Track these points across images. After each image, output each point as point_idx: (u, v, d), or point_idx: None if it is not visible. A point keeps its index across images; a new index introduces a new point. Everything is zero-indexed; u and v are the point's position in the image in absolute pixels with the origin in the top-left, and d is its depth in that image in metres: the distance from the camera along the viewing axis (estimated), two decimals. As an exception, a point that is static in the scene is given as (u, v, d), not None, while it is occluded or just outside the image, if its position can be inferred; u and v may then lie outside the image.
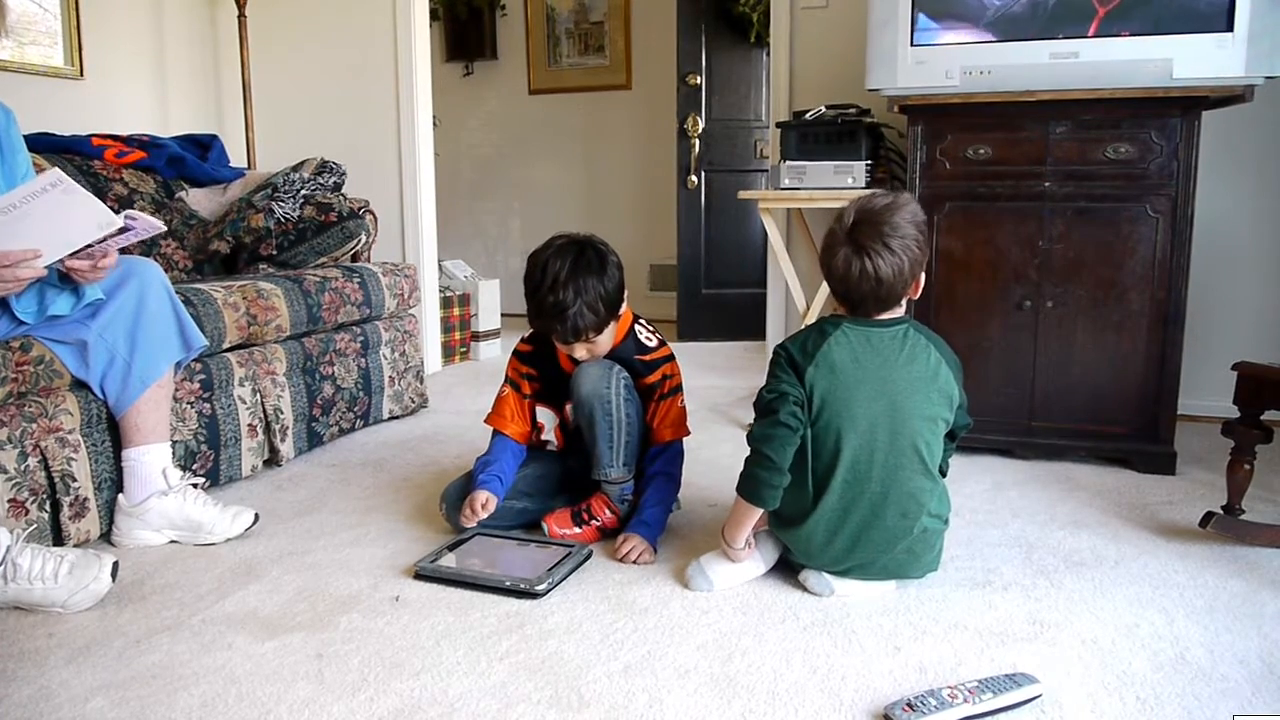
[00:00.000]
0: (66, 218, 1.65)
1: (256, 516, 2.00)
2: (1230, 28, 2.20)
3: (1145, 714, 1.29)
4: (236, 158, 3.60)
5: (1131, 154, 2.35)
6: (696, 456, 2.55)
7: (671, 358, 1.98)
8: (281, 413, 2.48)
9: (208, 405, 2.26)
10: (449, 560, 1.79)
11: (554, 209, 5.69)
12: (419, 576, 1.76)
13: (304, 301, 2.58)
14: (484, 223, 5.92)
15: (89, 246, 1.70)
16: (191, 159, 3.17)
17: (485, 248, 5.92)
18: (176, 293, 2.05)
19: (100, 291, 1.89)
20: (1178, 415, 2.41)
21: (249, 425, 2.37)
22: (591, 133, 5.60)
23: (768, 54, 4.01)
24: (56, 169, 1.63)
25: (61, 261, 1.72)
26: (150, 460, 1.95)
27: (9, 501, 1.78)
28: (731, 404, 3.25)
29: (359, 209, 3.05)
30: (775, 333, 3.41)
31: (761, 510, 1.65)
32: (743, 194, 3.05)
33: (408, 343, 3.08)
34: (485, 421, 2.05)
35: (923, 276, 1.67)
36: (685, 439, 2.00)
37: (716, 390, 3.49)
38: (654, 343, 1.97)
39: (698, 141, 4.65)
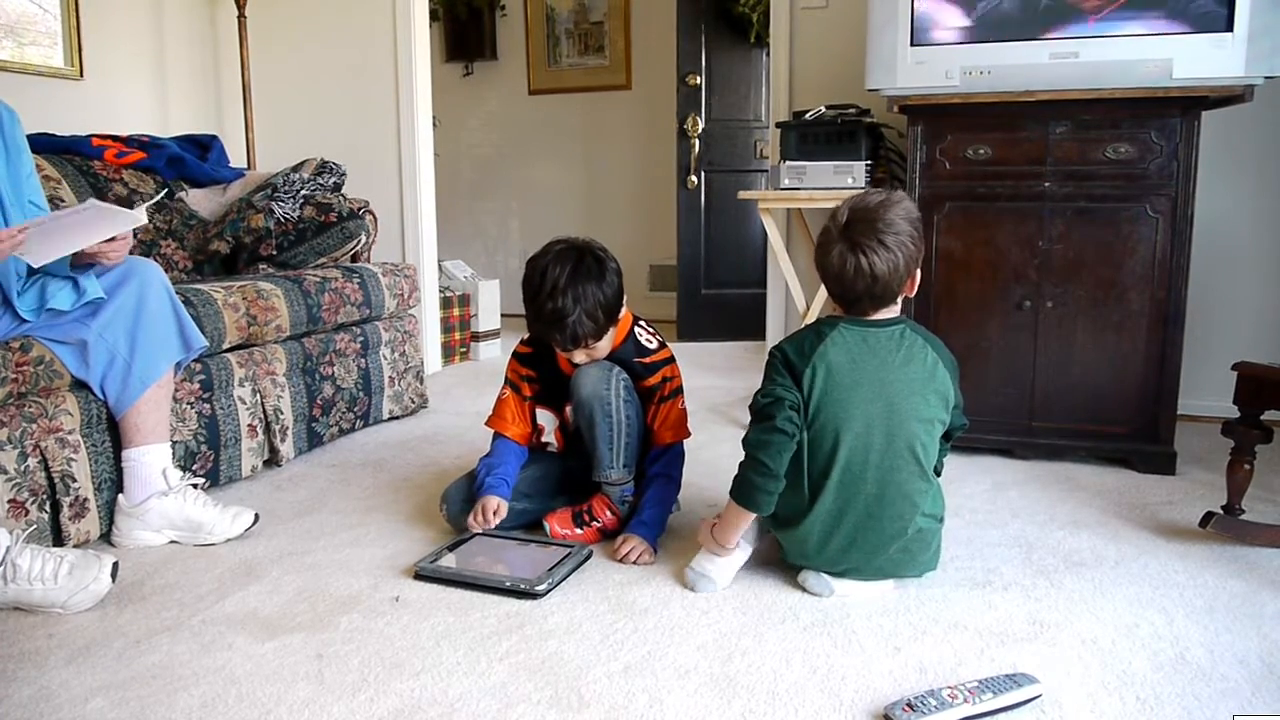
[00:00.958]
0: (96, 226, 1.76)
1: (256, 517, 2.00)
2: (1230, 28, 2.20)
3: (1145, 714, 1.29)
4: (236, 158, 3.60)
5: (1131, 154, 2.35)
6: (696, 457, 2.54)
7: (672, 360, 1.98)
8: (281, 413, 2.48)
9: (208, 405, 2.26)
10: (449, 561, 1.79)
11: (554, 209, 5.69)
12: (419, 577, 1.76)
13: (304, 302, 2.58)
14: (484, 223, 5.92)
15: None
16: (191, 159, 3.17)
17: (485, 248, 5.92)
18: (176, 293, 2.05)
19: (100, 290, 1.90)
20: (1178, 415, 2.41)
21: (249, 425, 2.37)
22: (591, 133, 5.60)
23: (767, 54, 4.01)
24: (92, 199, 1.79)
25: (83, 250, 1.80)
26: (150, 460, 1.95)
27: (9, 502, 1.78)
28: (731, 404, 3.25)
29: (359, 209, 3.05)
30: (775, 333, 3.41)
31: (754, 515, 1.65)
32: (743, 194, 3.05)
33: (408, 343, 3.08)
34: (486, 424, 2.05)
35: (918, 273, 1.68)
36: (686, 440, 2.00)
37: (716, 390, 3.49)
38: (654, 345, 1.97)
39: (697, 141, 4.65)
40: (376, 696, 1.35)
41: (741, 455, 1.65)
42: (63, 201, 2.66)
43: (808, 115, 2.87)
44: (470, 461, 2.08)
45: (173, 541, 1.95)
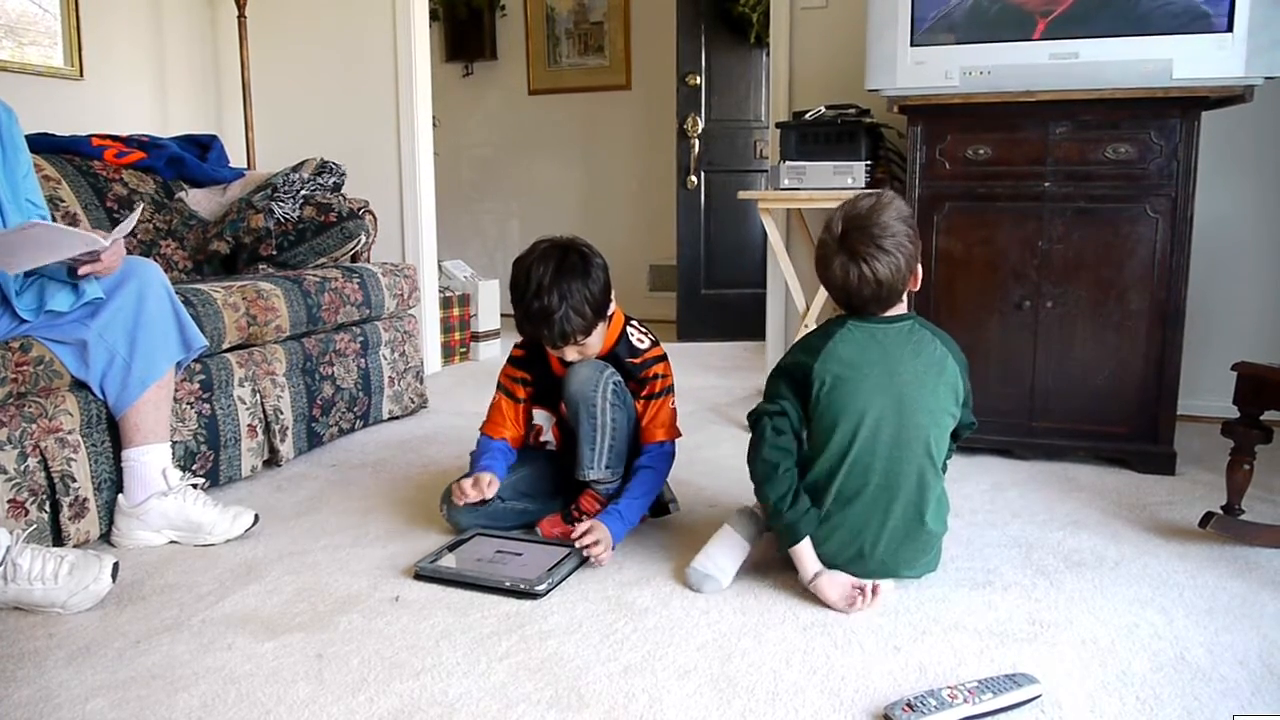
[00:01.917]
0: (47, 249, 1.72)
1: (256, 517, 2.00)
2: (1230, 28, 2.20)
3: (1145, 714, 1.29)
4: (236, 158, 3.60)
5: (1131, 154, 2.35)
6: (696, 456, 2.55)
7: (663, 358, 1.98)
8: (281, 413, 2.48)
9: (207, 406, 2.26)
10: (449, 561, 1.79)
11: (554, 209, 5.69)
12: (419, 577, 1.76)
13: (304, 302, 2.58)
14: (483, 223, 5.92)
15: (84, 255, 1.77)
16: (191, 159, 3.17)
17: (485, 248, 5.92)
18: (176, 293, 2.05)
19: (100, 291, 1.90)
20: (1177, 415, 2.41)
21: (249, 426, 2.37)
22: (591, 133, 5.60)
23: (767, 54, 4.01)
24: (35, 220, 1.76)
25: (62, 263, 1.76)
26: (150, 461, 1.95)
27: (9, 502, 1.78)
28: (731, 404, 3.25)
29: (359, 209, 3.05)
30: (775, 333, 3.41)
31: (806, 536, 1.64)
32: (742, 194, 3.05)
33: (407, 343, 3.08)
34: (480, 430, 2.04)
35: (920, 268, 1.69)
36: (680, 441, 1.99)
37: (716, 390, 3.49)
38: (645, 344, 1.97)
39: (697, 142, 4.65)
40: (376, 696, 1.35)
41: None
42: (62, 202, 2.66)
43: (807, 115, 2.87)
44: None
45: (173, 542, 1.95)
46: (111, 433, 1.98)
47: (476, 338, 4.22)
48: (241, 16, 3.65)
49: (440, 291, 3.97)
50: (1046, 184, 2.41)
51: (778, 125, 3.08)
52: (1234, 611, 1.61)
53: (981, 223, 2.48)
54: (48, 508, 1.86)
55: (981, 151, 2.46)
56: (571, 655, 1.46)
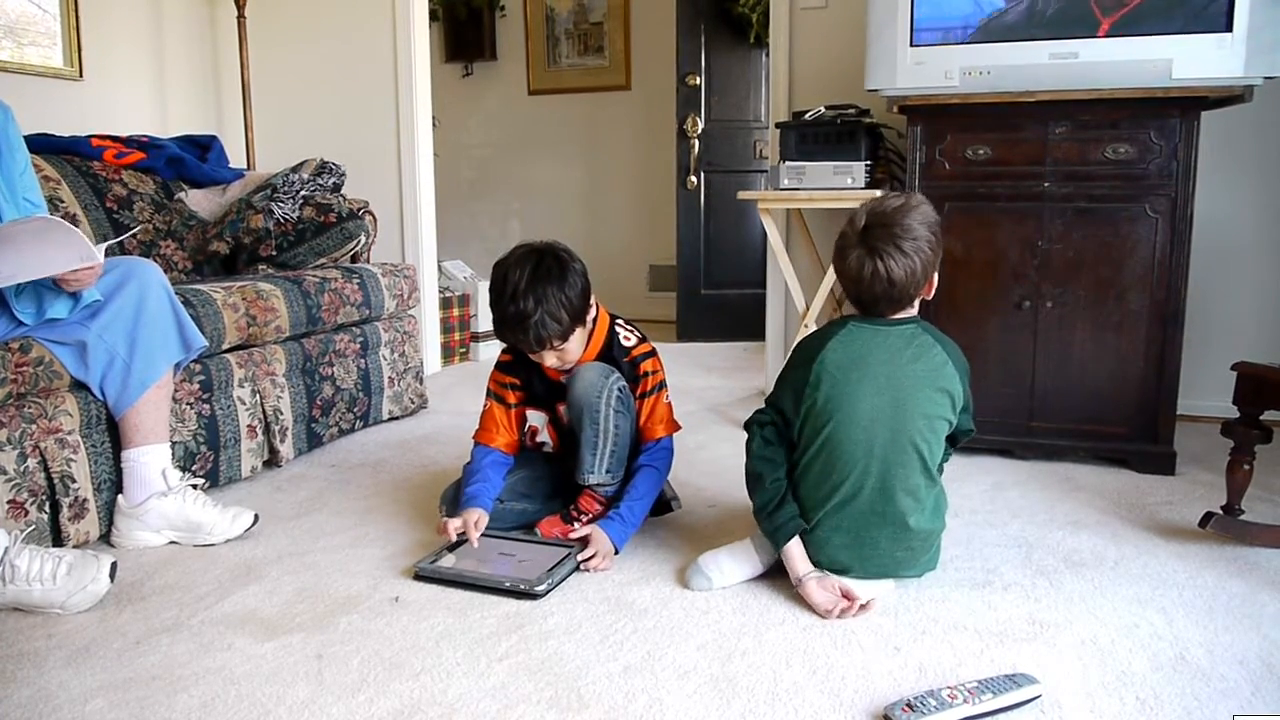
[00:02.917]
0: (50, 247, 1.72)
1: (256, 517, 2.00)
2: (1230, 28, 2.20)
3: (1145, 714, 1.29)
4: (236, 158, 3.60)
5: (1131, 154, 2.35)
6: (696, 456, 2.55)
7: (652, 354, 1.97)
8: (281, 413, 2.48)
9: (207, 406, 2.26)
10: (448, 561, 1.79)
11: (553, 209, 5.69)
12: (418, 577, 1.76)
13: (303, 302, 2.58)
14: (483, 223, 5.92)
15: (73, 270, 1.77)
16: (191, 160, 3.16)
17: (484, 248, 5.90)
18: (176, 293, 2.05)
19: (99, 293, 1.90)
20: (1177, 415, 2.41)
21: (248, 426, 2.36)
22: (591, 133, 5.60)
23: (767, 54, 4.01)
24: (52, 216, 1.75)
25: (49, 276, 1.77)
26: (150, 461, 1.95)
27: (8, 503, 1.78)
28: (731, 404, 3.25)
29: (358, 210, 3.05)
30: (775, 333, 3.41)
31: (797, 535, 1.65)
32: (742, 194, 3.05)
33: (407, 343, 3.08)
34: (473, 438, 2.02)
35: (936, 276, 1.68)
36: (681, 441, 1.98)
37: (716, 390, 3.49)
38: (633, 341, 1.96)
39: (697, 142, 4.65)
40: (376, 697, 1.35)
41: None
42: (62, 202, 2.66)
43: (807, 115, 2.87)
44: (470, 462, 2.08)
45: (172, 542, 1.95)
46: (111, 433, 1.98)
47: (476, 338, 4.22)
48: (241, 16, 3.65)
49: (440, 292, 3.97)
50: (1046, 184, 2.41)
51: (777, 125, 3.07)
52: (1234, 611, 1.61)
53: (981, 223, 2.48)
54: (47, 508, 1.86)
55: (981, 152, 2.46)
56: (571, 655, 1.46)
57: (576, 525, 1.91)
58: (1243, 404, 1.92)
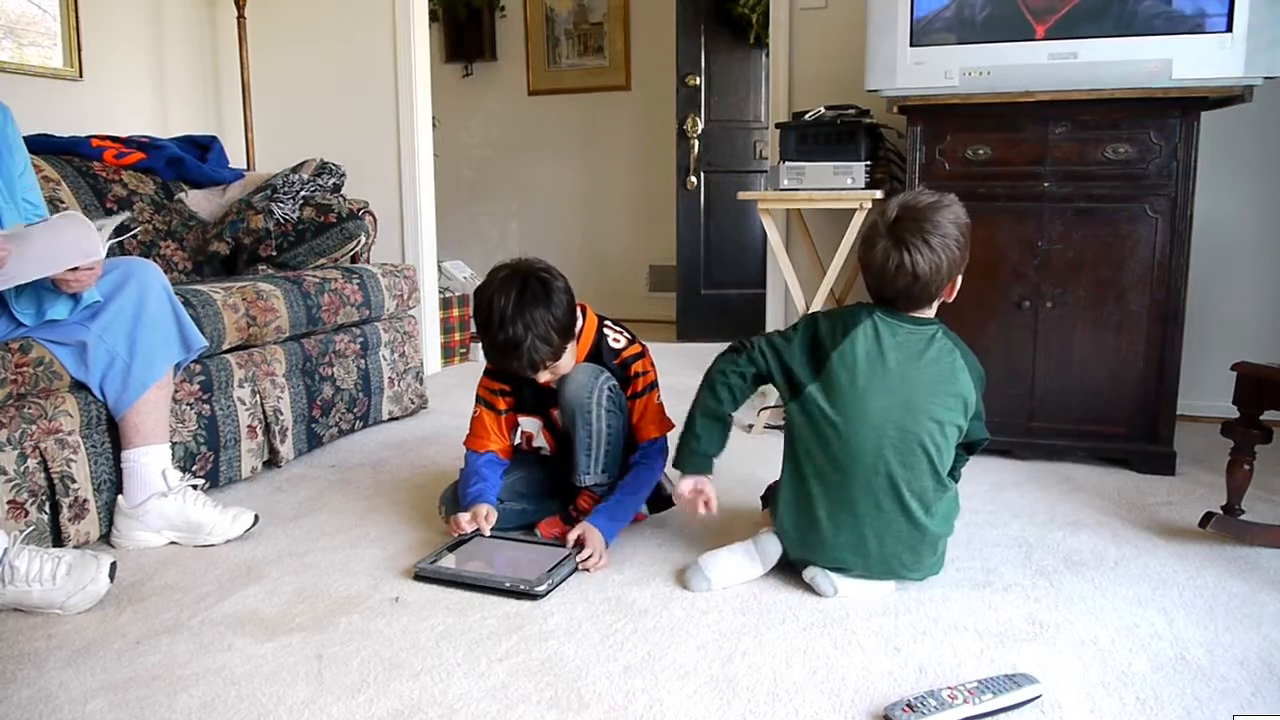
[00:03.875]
0: (60, 243, 1.74)
1: (256, 518, 2.00)
2: (1230, 28, 2.20)
3: (1145, 714, 1.29)
4: (236, 159, 3.60)
5: (1131, 154, 2.35)
6: (696, 457, 2.54)
7: (642, 354, 1.97)
8: (281, 414, 2.48)
9: (207, 406, 2.26)
10: (448, 561, 1.79)
11: (553, 210, 5.69)
12: (418, 578, 1.76)
13: (303, 303, 2.58)
14: (483, 224, 5.91)
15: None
16: (191, 160, 3.16)
17: (484, 248, 5.91)
18: (176, 294, 2.05)
19: (99, 294, 1.89)
20: (1177, 415, 2.41)
21: (248, 426, 2.36)
22: (591, 134, 5.60)
23: (767, 55, 4.01)
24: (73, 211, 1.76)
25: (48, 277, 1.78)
26: (150, 461, 1.95)
27: (8, 503, 1.78)
28: (731, 404, 3.24)
29: (358, 210, 3.05)
30: (775, 333, 3.41)
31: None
32: (742, 195, 3.05)
33: (407, 344, 3.08)
34: (464, 444, 2.02)
35: (959, 279, 1.67)
36: (678, 435, 1.99)
37: (716, 391, 3.48)
38: (623, 343, 1.96)
39: (697, 142, 4.65)
40: (376, 697, 1.35)
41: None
42: (62, 203, 2.66)
43: (807, 116, 2.87)
44: (470, 462, 2.08)
45: (172, 542, 1.95)
46: (111, 434, 1.98)
47: (476, 338, 4.22)
48: (241, 17, 3.65)
49: (440, 292, 3.97)
50: (1046, 184, 2.41)
51: (777, 126, 3.07)
52: (1234, 611, 1.61)
53: (981, 223, 2.44)
54: (47, 509, 1.86)
55: (981, 152, 2.46)
56: (571, 656, 1.46)
57: (572, 528, 1.91)
58: (1243, 404, 1.92)
